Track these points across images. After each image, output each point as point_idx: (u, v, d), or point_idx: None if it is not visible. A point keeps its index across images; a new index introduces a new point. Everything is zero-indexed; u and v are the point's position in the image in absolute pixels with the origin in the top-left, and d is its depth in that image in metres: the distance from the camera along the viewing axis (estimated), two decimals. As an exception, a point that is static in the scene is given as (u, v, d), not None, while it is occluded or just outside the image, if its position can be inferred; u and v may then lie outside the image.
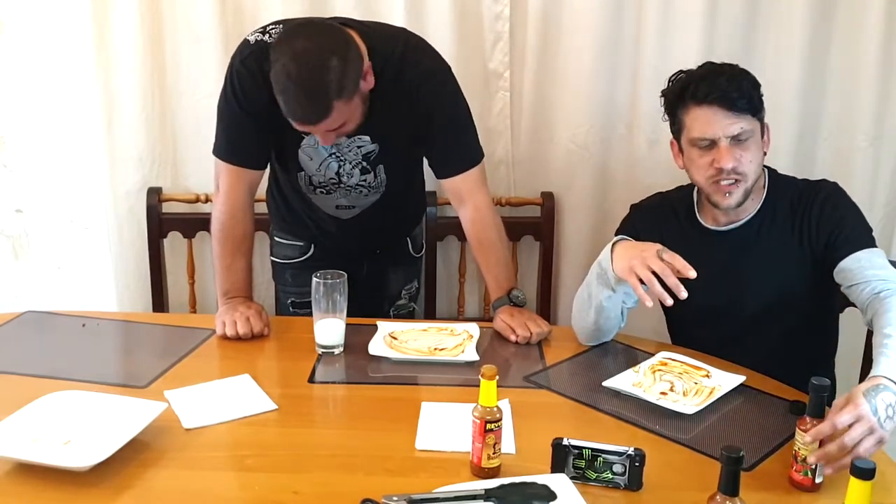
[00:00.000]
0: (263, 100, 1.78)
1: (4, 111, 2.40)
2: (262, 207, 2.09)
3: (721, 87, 1.64)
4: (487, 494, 1.20)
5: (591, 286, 1.73)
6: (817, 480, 1.27)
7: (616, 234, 1.86)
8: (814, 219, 1.70)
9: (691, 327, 1.84)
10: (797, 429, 1.27)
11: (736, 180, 1.67)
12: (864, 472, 1.04)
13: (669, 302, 1.52)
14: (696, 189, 1.81)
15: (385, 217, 2.02)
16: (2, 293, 2.53)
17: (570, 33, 2.29)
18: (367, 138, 1.85)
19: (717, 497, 1.11)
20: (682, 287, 1.51)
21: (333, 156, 1.87)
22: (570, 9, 2.28)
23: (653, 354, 1.72)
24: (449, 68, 1.89)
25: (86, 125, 2.38)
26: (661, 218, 1.84)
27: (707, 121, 1.66)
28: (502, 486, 1.22)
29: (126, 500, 1.25)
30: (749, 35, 2.26)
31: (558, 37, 2.30)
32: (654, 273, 1.53)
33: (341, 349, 1.75)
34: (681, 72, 1.75)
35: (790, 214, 1.73)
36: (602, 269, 1.69)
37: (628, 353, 1.77)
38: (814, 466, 1.25)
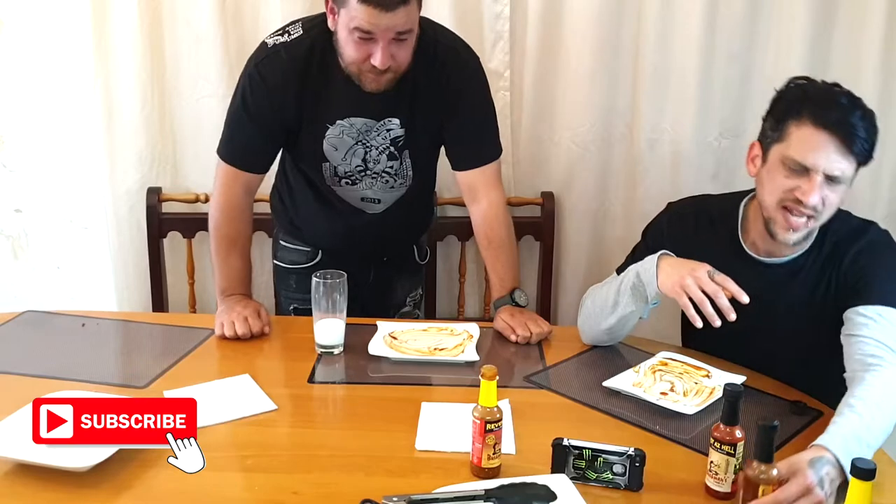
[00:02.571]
0: (276, 103, 1.78)
1: (4, 111, 2.40)
2: (260, 207, 2.08)
3: (851, 123, 1.50)
4: (487, 495, 1.20)
5: (619, 294, 1.67)
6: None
7: (644, 232, 1.82)
8: (846, 264, 1.59)
9: (707, 342, 1.76)
10: (712, 434, 1.26)
11: (809, 217, 1.54)
12: (864, 473, 1.04)
13: (718, 323, 1.47)
14: (743, 205, 1.70)
15: (403, 217, 2.01)
16: (2, 293, 2.53)
17: (571, 33, 2.29)
18: (397, 121, 1.85)
19: (753, 463, 1.15)
20: (732, 309, 1.47)
21: (360, 143, 1.87)
22: (570, 8, 2.28)
23: (653, 354, 1.72)
24: (479, 59, 1.91)
25: (86, 125, 2.38)
26: (694, 228, 1.74)
27: (815, 147, 1.50)
28: (502, 487, 1.22)
29: (126, 500, 1.25)
30: (749, 35, 2.25)
31: (558, 36, 2.30)
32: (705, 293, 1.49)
33: (341, 349, 1.75)
34: (806, 79, 1.60)
35: (830, 256, 1.62)
36: (640, 280, 1.63)
37: (628, 353, 1.76)
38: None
